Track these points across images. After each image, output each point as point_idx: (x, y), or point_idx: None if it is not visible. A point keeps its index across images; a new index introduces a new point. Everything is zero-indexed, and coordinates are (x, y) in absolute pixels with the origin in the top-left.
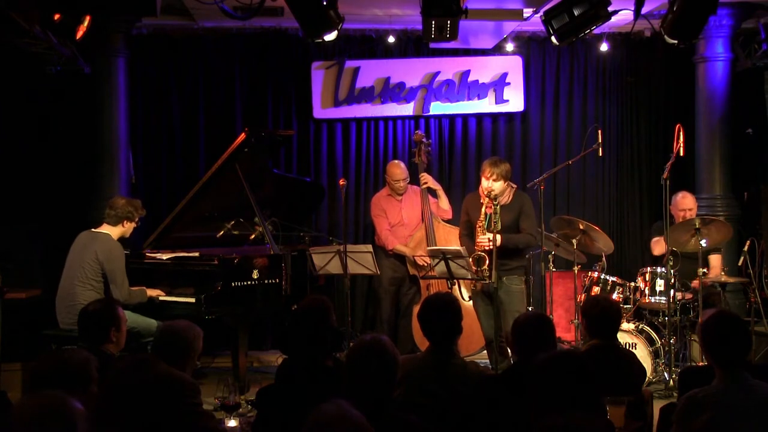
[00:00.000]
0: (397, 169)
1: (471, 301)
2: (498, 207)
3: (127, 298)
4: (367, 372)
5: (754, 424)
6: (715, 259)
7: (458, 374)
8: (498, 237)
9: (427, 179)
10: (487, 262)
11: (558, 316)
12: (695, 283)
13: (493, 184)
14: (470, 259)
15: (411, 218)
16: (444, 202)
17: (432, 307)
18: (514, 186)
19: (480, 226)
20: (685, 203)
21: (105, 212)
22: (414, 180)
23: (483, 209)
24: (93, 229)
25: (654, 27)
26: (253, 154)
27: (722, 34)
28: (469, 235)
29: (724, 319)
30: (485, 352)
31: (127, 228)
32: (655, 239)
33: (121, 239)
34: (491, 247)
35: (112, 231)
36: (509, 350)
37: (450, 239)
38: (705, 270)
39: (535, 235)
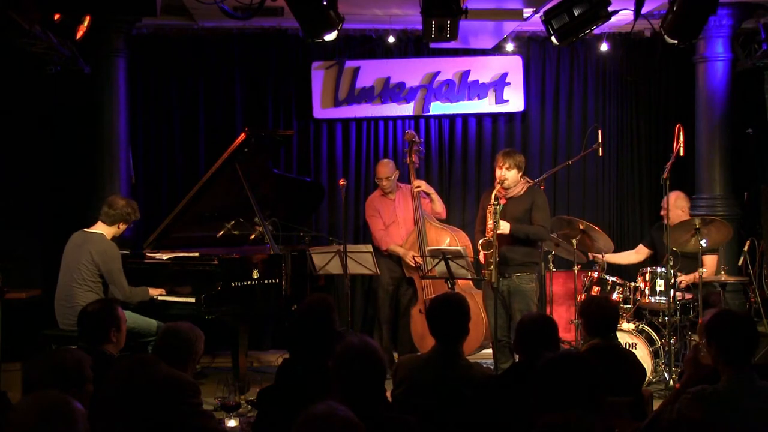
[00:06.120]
0: (382, 168)
1: None
2: (497, 207)
3: (128, 297)
4: (357, 375)
5: (761, 425)
6: (710, 260)
7: (464, 375)
8: (507, 224)
9: (420, 184)
10: (496, 249)
11: (558, 316)
12: (687, 279)
13: (506, 173)
14: (480, 243)
15: (405, 217)
16: (438, 205)
17: (441, 307)
18: (530, 181)
19: (490, 213)
20: (665, 201)
21: (102, 210)
22: (406, 180)
23: (492, 195)
24: (86, 229)
25: (654, 27)
26: (253, 154)
27: (722, 34)
28: (484, 232)
29: (732, 317)
30: (484, 351)
31: (121, 229)
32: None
33: (120, 239)
34: (502, 232)
35: (107, 231)
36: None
37: (440, 240)
38: (704, 270)
39: (547, 228)
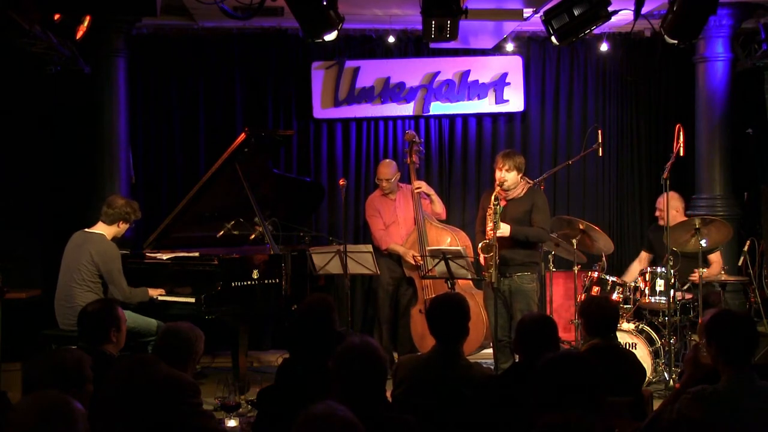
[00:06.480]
0: (383, 168)
1: None
2: (498, 207)
3: (127, 298)
4: (356, 375)
5: (761, 425)
6: (714, 256)
7: (464, 375)
8: (507, 227)
9: (421, 185)
10: (496, 251)
11: (558, 316)
12: (694, 277)
13: (505, 175)
14: (480, 245)
15: (406, 217)
16: (438, 206)
17: (441, 307)
18: (530, 182)
19: (489, 215)
20: (658, 202)
21: (102, 210)
22: (406, 180)
23: (492, 197)
24: (86, 230)
25: (654, 27)
26: (253, 154)
27: (722, 34)
28: (484, 232)
29: (732, 317)
30: (484, 351)
31: (121, 228)
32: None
33: (120, 239)
34: (502, 234)
35: (107, 231)
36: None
37: (441, 240)
38: (705, 270)
39: (546, 230)
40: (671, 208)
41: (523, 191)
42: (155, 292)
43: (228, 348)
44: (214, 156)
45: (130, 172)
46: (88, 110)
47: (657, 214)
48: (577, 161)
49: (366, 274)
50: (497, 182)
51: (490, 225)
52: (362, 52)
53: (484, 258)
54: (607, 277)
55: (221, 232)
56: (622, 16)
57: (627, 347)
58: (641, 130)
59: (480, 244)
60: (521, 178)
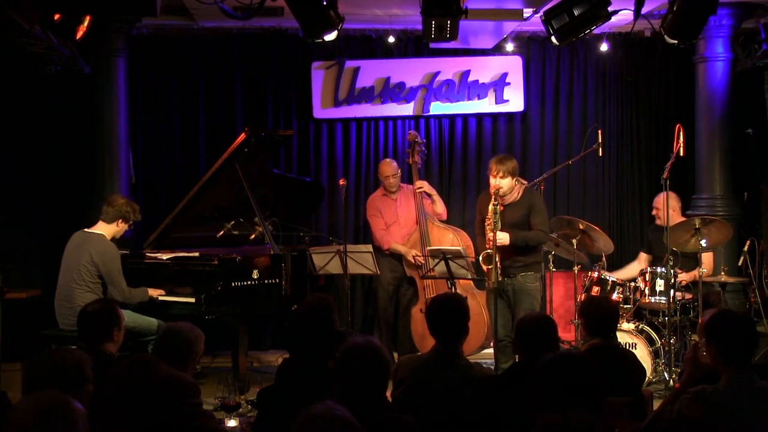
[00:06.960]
0: (385, 167)
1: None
2: (498, 208)
3: (127, 298)
4: (356, 376)
5: (761, 425)
6: (707, 257)
7: (464, 375)
8: (506, 235)
9: (423, 185)
10: (496, 259)
11: (558, 316)
12: (687, 278)
13: (500, 182)
14: (481, 257)
15: (407, 217)
16: (439, 206)
17: (441, 307)
18: (524, 183)
19: (488, 224)
20: (656, 202)
21: (102, 209)
22: (407, 181)
23: (490, 207)
24: (86, 229)
25: (654, 27)
26: (253, 154)
27: (722, 34)
28: (483, 235)
29: (732, 317)
30: (485, 351)
31: (120, 228)
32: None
33: (120, 239)
34: (502, 243)
35: (106, 230)
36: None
37: (443, 240)
38: (704, 270)
39: (546, 231)
40: (669, 207)
41: (519, 195)
42: (155, 292)
43: (228, 348)
44: (214, 156)
45: (130, 172)
46: (88, 110)
47: (654, 213)
48: (577, 161)
49: (366, 274)
50: (492, 189)
51: (490, 235)
52: (362, 52)
53: (486, 269)
54: (607, 277)
55: (221, 232)
56: (622, 16)
57: (627, 347)
58: (641, 130)
59: (480, 256)
60: (515, 180)
